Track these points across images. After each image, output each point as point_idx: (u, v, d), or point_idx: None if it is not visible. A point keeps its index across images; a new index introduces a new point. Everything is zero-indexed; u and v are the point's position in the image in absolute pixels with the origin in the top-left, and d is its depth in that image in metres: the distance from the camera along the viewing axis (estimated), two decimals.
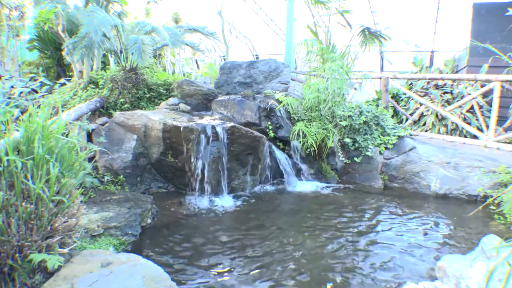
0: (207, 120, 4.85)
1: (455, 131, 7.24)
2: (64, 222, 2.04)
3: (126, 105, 5.36)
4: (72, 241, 2.13)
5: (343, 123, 5.49)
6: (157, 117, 4.59)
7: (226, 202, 4.37)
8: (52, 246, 1.98)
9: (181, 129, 4.35)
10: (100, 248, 2.73)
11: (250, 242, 3.23)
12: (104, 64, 6.96)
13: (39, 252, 1.88)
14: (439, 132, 7.25)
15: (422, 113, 7.49)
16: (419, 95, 7.64)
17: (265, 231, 3.50)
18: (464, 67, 8.06)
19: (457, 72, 8.60)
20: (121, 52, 5.67)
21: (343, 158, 5.53)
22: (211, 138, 4.47)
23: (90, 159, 4.36)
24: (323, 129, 5.31)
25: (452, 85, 7.80)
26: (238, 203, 4.36)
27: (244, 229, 3.56)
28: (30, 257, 1.80)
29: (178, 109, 5.46)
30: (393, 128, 5.81)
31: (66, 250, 2.04)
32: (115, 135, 4.61)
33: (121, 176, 4.32)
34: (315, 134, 5.21)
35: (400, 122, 7.71)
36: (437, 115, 7.40)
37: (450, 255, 2.33)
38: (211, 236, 3.36)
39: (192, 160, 4.42)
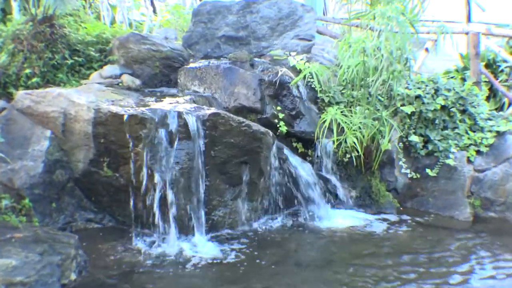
0: (169, 104, 4.91)
1: None
2: None
3: (35, 79, 5.46)
4: None
5: (408, 109, 5.55)
6: (85, 98, 4.63)
7: (202, 248, 4.40)
8: None
9: (125, 119, 4.40)
10: None
11: None
12: (5, 13, 7.16)
13: None
14: None
15: None
16: None
17: None
18: None
19: None
20: None
21: (407, 170, 5.63)
22: (177, 135, 4.51)
23: None
24: (373, 119, 5.35)
25: None
26: (223, 249, 4.41)
27: None
28: None
29: (121, 85, 5.51)
30: (489, 119, 5.89)
31: None
32: (17, 131, 4.67)
33: (27, 200, 4.38)
34: (360, 128, 5.25)
35: (501, 108, 7.86)
36: None
37: None
38: None
39: (144, 173, 4.46)
